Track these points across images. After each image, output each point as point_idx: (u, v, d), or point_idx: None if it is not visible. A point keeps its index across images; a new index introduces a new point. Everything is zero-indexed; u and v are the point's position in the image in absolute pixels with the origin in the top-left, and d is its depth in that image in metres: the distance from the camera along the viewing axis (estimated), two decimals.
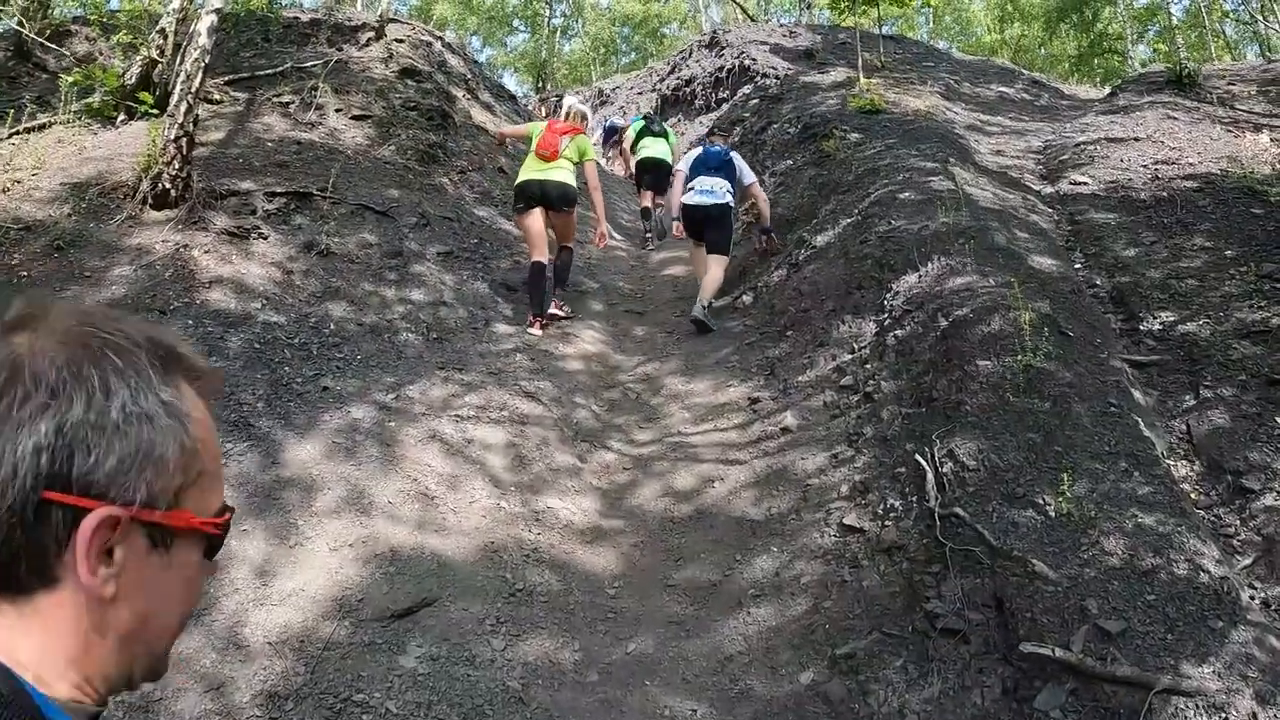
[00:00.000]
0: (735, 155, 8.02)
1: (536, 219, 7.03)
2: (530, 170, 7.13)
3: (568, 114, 7.69)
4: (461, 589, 3.94)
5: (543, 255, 6.99)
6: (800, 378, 5.68)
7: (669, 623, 3.97)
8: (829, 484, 4.57)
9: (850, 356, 5.51)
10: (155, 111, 7.06)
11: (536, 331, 6.77)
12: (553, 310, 7.06)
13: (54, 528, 0.70)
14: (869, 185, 7.52)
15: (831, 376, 5.47)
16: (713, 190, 7.42)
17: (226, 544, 3.19)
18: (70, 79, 7.54)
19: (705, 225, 7.46)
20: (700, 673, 3.63)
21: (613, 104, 21.98)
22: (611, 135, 16.25)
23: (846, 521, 4.19)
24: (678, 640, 3.82)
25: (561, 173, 7.07)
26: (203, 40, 6.50)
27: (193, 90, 6.29)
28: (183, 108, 6.20)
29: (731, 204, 7.56)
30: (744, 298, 7.39)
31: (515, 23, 38.89)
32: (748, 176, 7.91)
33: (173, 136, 6.10)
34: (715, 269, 7.35)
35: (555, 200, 7.03)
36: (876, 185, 7.41)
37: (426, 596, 3.85)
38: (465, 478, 4.80)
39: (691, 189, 7.51)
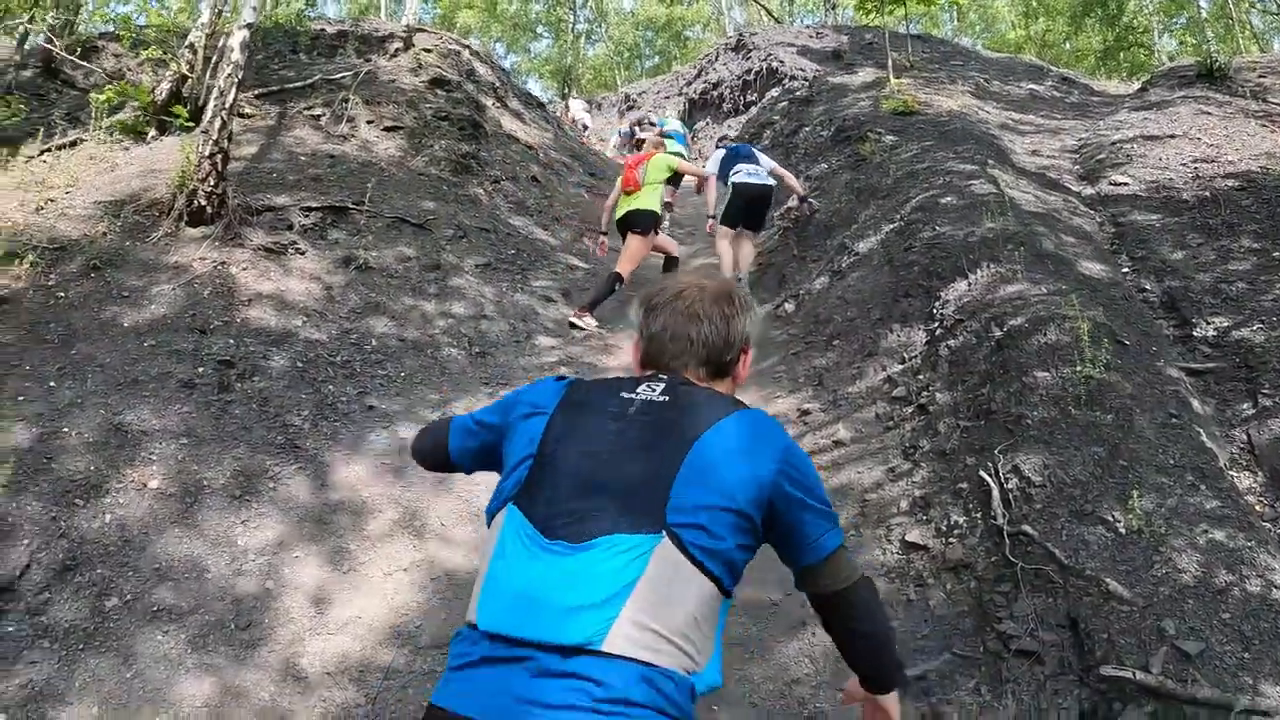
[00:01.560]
0: (755, 149, 8.93)
1: (626, 242, 7.92)
2: (621, 205, 8.04)
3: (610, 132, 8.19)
4: None
5: (623, 269, 7.70)
6: (850, 389, 5.57)
7: (730, 644, 3.88)
8: (888, 498, 4.48)
9: (901, 367, 5.41)
10: (191, 125, 7.04)
11: (578, 321, 7.13)
12: (572, 319, 7.26)
13: (738, 356, 1.81)
14: (909, 189, 7.41)
15: (883, 387, 5.37)
16: (758, 173, 8.19)
17: (279, 571, 3.21)
18: (102, 96, 7.53)
19: (755, 203, 8.16)
20: (767, 696, 3.56)
21: (639, 108, 21.93)
22: (629, 138, 16.89)
23: (909, 538, 4.11)
24: (741, 663, 3.74)
25: (640, 199, 7.91)
26: (235, 56, 6.50)
27: (226, 106, 6.29)
28: (216, 124, 6.19)
29: (773, 185, 8.32)
30: (786, 305, 7.28)
31: (539, 29, 38.94)
32: (768, 163, 8.55)
33: (207, 153, 6.09)
34: (748, 246, 8.29)
35: (631, 224, 7.88)
36: (917, 189, 7.29)
37: None
38: None
39: (739, 172, 8.17)
